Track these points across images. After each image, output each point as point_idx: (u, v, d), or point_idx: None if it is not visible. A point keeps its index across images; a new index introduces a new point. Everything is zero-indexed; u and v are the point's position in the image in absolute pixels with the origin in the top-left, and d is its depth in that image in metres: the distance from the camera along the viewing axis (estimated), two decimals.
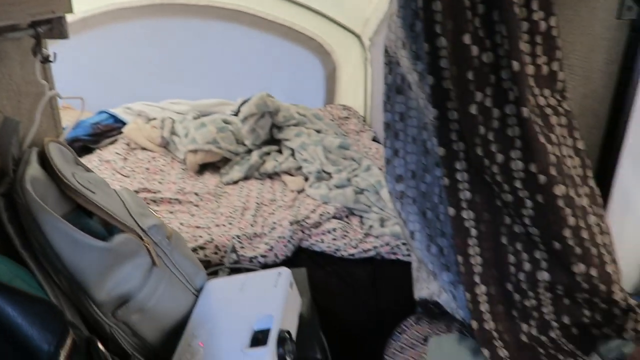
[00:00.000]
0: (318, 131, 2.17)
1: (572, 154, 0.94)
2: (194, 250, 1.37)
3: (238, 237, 1.44)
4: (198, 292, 0.96)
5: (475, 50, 0.86)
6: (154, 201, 1.81)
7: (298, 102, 2.44)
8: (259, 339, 0.79)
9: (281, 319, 0.82)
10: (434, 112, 0.95)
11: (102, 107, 2.51)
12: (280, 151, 2.12)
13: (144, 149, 2.32)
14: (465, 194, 0.98)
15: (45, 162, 0.85)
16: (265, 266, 1.36)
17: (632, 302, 1.00)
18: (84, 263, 0.76)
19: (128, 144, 2.36)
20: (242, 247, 1.41)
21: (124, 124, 2.44)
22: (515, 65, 0.83)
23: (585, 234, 0.92)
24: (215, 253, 1.37)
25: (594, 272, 0.95)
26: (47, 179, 0.80)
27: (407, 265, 1.33)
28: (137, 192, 1.86)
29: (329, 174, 1.87)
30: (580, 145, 0.94)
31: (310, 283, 1.30)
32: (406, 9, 0.97)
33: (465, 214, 1.00)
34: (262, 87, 2.27)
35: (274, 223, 1.52)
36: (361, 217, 1.61)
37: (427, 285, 1.19)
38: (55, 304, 0.55)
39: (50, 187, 0.80)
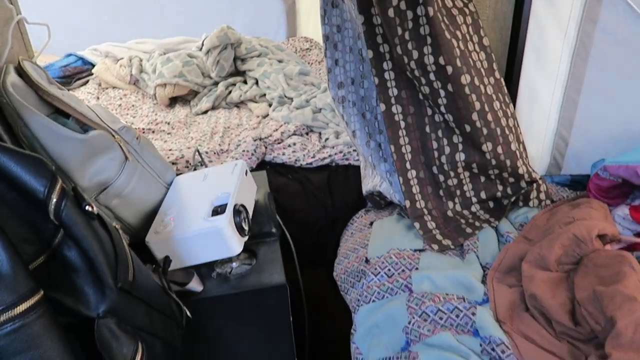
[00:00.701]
0: (280, 61, 2.28)
1: (478, 49, 1.09)
2: None
3: (206, 152, 1.60)
4: (169, 185, 1.13)
5: None
6: None
7: (261, 35, 2.53)
8: (218, 211, 0.96)
9: (236, 195, 0.99)
10: (361, 19, 1.09)
11: (69, 51, 2.57)
12: (245, 81, 2.24)
13: (114, 87, 2.41)
14: (393, 91, 1.14)
15: (22, 76, 0.98)
16: None
17: (535, 175, 1.19)
18: (66, 153, 0.91)
19: (99, 84, 2.45)
20: (210, 162, 1.57)
21: (92, 65, 2.52)
22: None
23: (490, 117, 1.10)
24: (187, 167, 1.53)
25: (500, 149, 1.13)
26: (25, 87, 0.94)
27: (358, 168, 1.51)
28: None
29: (290, 99, 2.01)
30: (486, 41, 1.10)
31: (273, 188, 1.48)
32: None
33: (394, 109, 1.16)
34: (224, 24, 2.35)
35: (239, 141, 1.68)
36: (320, 133, 1.77)
37: (371, 180, 1.37)
38: (42, 157, 0.69)
39: (29, 93, 0.94)
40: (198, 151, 1.36)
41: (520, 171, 1.16)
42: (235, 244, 0.94)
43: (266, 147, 1.66)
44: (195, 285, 0.95)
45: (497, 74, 1.13)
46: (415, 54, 1.06)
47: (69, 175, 0.92)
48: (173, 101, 2.24)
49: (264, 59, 2.24)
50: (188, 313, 0.93)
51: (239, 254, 0.99)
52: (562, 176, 1.34)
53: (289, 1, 2.79)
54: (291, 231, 1.35)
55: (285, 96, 2.02)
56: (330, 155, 1.58)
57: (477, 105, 1.08)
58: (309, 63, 2.54)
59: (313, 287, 1.50)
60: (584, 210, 1.05)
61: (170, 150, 1.72)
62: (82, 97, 2.31)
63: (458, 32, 1.05)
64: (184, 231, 0.93)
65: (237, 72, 2.30)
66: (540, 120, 1.26)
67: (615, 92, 1.22)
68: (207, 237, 0.93)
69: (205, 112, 2.13)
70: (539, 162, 1.32)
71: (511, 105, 1.16)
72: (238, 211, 0.98)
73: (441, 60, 1.04)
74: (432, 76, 1.07)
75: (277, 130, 1.76)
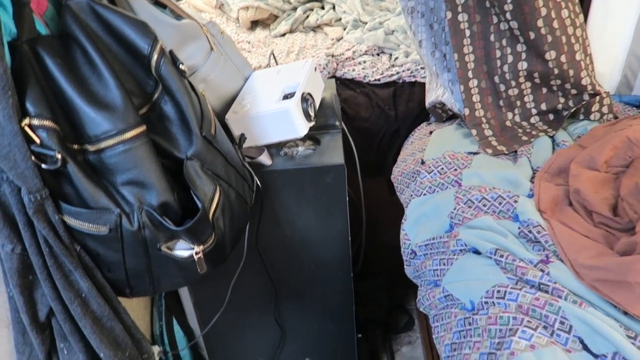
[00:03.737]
0: None
1: None
2: None
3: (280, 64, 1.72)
4: (246, 79, 1.26)
5: None
6: None
7: None
8: (288, 96, 1.08)
9: (305, 85, 1.11)
10: None
11: None
12: (322, 7, 2.31)
13: (201, 11, 2.57)
14: None
15: None
16: None
17: (600, 88, 1.20)
18: (163, 36, 1.05)
19: (187, 6, 2.62)
20: None
21: None
22: None
23: (556, 24, 1.11)
24: None
25: (563, 58, 1.14)
26: None
27: (423, 85, 1.57)
28: None
29: (364, 22, 2.06)
30: None
31: (341, 98, 1.58)
32: None
33: (460, 17, 1.20)
34: None
35: (312, 56, 1.78)
36: (390, 54, 1.83)
37: (434, 92, 1.42)
38: (145, 22, 0.84)
39: None
40: (273, 54, 1.48)
41: (584, 82, 1.16)
42: (301, 126, 1.06)
43: (337, 64, 1.75)
44: (264, 158, 1.09)
45: None
46: None
47: None
48: (254, 24, 2.37)
49: None
50: (258, 182, 1.07)
51: (304, 139, 1.11)
52: (633, 96, 1.31)
53: None
54: (355, 139, 1.46)
55: (360, 20, 2.07)
56: (397, 73, 1.64)
57: (544, 11, 1.09)
58: None
59: (371, 196, 1.62)
60: None
61: (250, 62, 1.85)
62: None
63: None
64: (257, 111, 1.07)
65: None
66: (612, 36, 1.24)
67: None
68: (277, 117, 1.05)
69: (283, 34, 2.23)
70: (609, 79, 1.30)
71: (581, 16, 1.15)
72: (305, 98, 1.09)
73: None
74: None
75: (349, 49, 1.84)
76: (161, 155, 0.84)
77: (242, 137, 1.08)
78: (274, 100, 1.08)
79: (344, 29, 2.11)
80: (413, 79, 1.63)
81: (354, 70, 1.71)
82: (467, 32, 1.21)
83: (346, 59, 1.78)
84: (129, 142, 0.76)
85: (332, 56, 1.76)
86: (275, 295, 1.25)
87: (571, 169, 1.02)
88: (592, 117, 1.21)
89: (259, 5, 2.29)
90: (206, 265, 0.85)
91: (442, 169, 1.17)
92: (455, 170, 1.15)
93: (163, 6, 1.13)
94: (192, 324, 1.37)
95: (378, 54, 1.85)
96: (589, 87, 1.17)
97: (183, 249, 0.82)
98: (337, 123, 1.20)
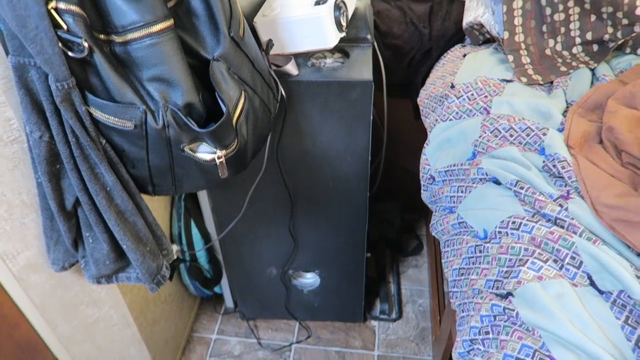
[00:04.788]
0: None
1: None
2: None
3: None
4: None
5: None
6: None
7: None
8: (320, 2, 1.03)
9: None
10: None
11: None
12: None
13: None
14: None
15: None
16: None
17: None
18: None
19: None
20: None
21: None
22: None
23: None
24: None
25: None
26: None
27: (462, 4, 1.47)
28: None
29: None
30: None
31: (375, 11, 1.50)
32: None
33: None
34: None
35: None
36: None
37: (474, 11, 1.34)
38: None
39: None
40: None
41: (638, 12, 1.08)
42: (332, 35, 1.02)
43: None
44: (291, 68, 1.06)
45: None
46: None
47: None
48: None
49: None
50: (283, 91, 1.05)
51: (333, 51, 1.08)
52: None
53: None
54: (385, 55, 1.40)
55: None
56: None
57: None
58: None
59: (394, 118, 1.59)
60: None
61: None
62: None
63: None
64: (288, 15, 1.02)
65: None
66: None
67: None
68: (307, 23, 1.01)
69: None
70: None
71: None
72: (339, 6, 1.04)
73: None
74: None
75: None
76: (187, 54, 0.82)
77: (270, 43, 1.04)
78: (306, 4, 1.03)
79: None
80: None
81: None
82: None
83: None
84: (156, 35, 0.74)
85: None
86: (291, 207, 1.27)
87: (608, 105, 0.98)
88: (639, 51, 1.14)
89: None
90: (228, 170, 0.86)
91: (472, 94, 1.14)
92: (486, 97, 1.11)
93: None
94: (209, 227, 1.42)
95: None
96: None
97: (206, 152, 0.83)
98: (369, 37, 1.15)
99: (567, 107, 1.06)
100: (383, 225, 1.94)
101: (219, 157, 0.82)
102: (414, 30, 1.51)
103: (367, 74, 1.03)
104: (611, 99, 0.98)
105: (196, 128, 0.77)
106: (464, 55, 1.33)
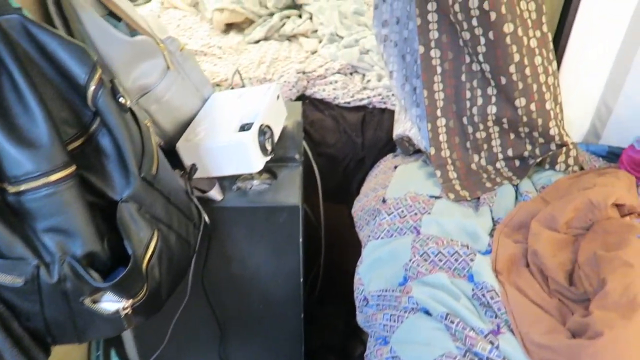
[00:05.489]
0: None
1: None
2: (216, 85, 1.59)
3: (250, 79, 1.65)
4: (205, 100, 1.19)
5: None
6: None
7: None
8: (245, 127, 1.02)
9: (264, 116, 1.04)
10: None
11: None
12: (300, 15, 2.24)
13: (176, 7, 2.47)
14: (434, 34, 1.13)
15: None
16: None
17: (567, 139, 1.17)
18: (113, 53, 0.97)
19: (162, 3, 2.51)
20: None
21: None
22: None
23: (528, 72, 1.08)
24: (231, 88, 1.58)
25: (533, 106, 1.11)
26: None
27: (393, 113, 1.52)
28: None
29: (341, 37, 2.00)
30: None
31: (308, 121, 1.52)
32: None
33: (433, 53, 1.15)
34: None
35: (283, 72, 1.71)
36: (363, 75, 1.77)
37: (402, 124, 1.38)
38: (86, 47, 0.76)
39: None
40: (238, 72, 1.41)
41: (552, 132, 1.14)
42: (256, 161, 1.00)
43: (308, 82, 1.69)
44: (215, 193, 1.02)
45: (544, 28, 1.09)
46: None
47: (114, 75, 1.00)
48: (228, 27, 2.28)
49: None
50: (206, 218, 1.01)
51: (260, 173, 1.05)
52: (600, 146, 1.30)
53: None
54: (319, 165, 1.40)
55: (337, 34, 2.02)
56: (368, 97, 1.59)
57: (517, 57, 1.06)
58: (367, 3, 2.49)
59: (333, 221, 1.57)
60: (607, 178, 1.03)
61: (217, 72, 1.78)
62: (144, 13, 2.38)
63: None
64: (211, 142, 1.00)
65: (294, 5, 2.29)
66: (585, 83, 1.21)
67: None
68: (231, 150, 0.99)
69: (257, 41, 2.16)
70: (578, 127, 1.29)
71: (554, 63, 1.12)
72: (263, 131, 1.03)
73: (485, 5, 1.01)
74: (474, 21, 1.05)
75: (322, 66, 1.78)
76: (94, 194, 0.77)
77: (193, 168, 1.01)
78: (230, 130, 1.01)
79: (320, 42, 2.05)
80: (383, 105, 1.58)
81: (324, 90, 1.65)
82: (439, 69, 1.17)
83: (318, 76, 1.72)
84: (54, 185, 0.68)
85: (303, 73, 1.70)
86: (221, 332, 1.19)
87: (532, 227, 0.99)
88: (557, 167, 1.19)
89: (235, 9, 2.20)
90: (136, 318, 0.78)
91: (403, 211, 1.13)
92: (416, 214, 1.11)
93: (117, 19, 1.05)
94: (131, 356, 1.29)
95: (351, 73, 1.79)
96: (557, 138, 1.15)
97: (110, 301, 0.75)
98: (297, 156, 1.14)
99: (494, 225, 1.07)
100: (325, 331, 1.86)
101: (124, 308, 0.75)
102: (347, 140, 1.54)
103: (294, 197, 1.01)
104: (534, 220, 1.00)
105: (94, 283, 0.70)
106: (395, 167, 1.34)
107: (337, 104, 1.62)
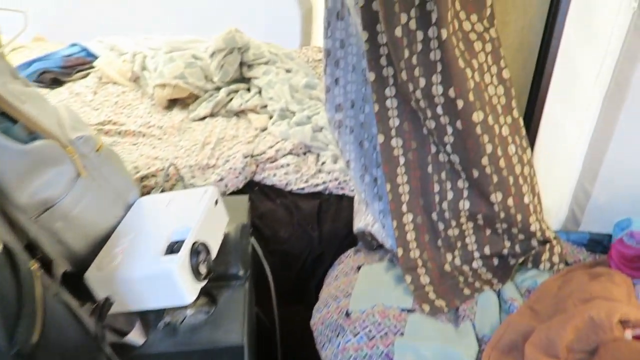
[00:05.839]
0: (288, 71, 2.15)
1: (496, 82, 0.94)
2: (145, 177, 1.40)
3: (191, 166, 1.46)
4: (129, 207, 0.99)
5: None
6: (119, 133, 1.83)
7: (273, 42, 2.40)
8: (173, 248, 0.82)
9: (198, 231, 0.85)
10: (365, 35, 0.95)
11: (74, 40, 2.48)
12: (248, 89, 2.11)
13: (115, 83, 2.30)
14: (395, 121, 1.00)
15: None
16: None
17: (549, 234, 1.03)
18: (1, 165, 0.78)
19: (100, 78, 2.34)
20: (193, 177, 1.43)
21: (96, 57, 2.42)
22: None
23: (503, 163, 0.94)
24: (166, 181, 1.39)
25: (510, 201, 0.97)
26: None
27: (352, 200, 1.37)
28: (102, 124, 1.88)
29: (293, 112, 1.87)
30: (506, 74, 0.95)
31: (257, 214, 1.34)
32: None
33: (394, 142, 1.01)
34: (237, 25, 2.23)
35: (229, 156, 1.54)
36: (317, 155, 1.63)
37: (363, 217, 1.22)
38: None
39: None
40: (174, 165, 1.23)
41: (532, 228, 1.00)
42: (187, 292, 0.80)
43: (257, 166, 1.52)
44: (135, 337, 0.81)
45: (515, 113, 0.98)
46: (422, 82, 0.91)
47: (3, 191, 0.79)
48: (172, 103, 2.12)
49: (271, 67, 2.11)
50: None
51: (195, 299, 0.85)
52: (580, 233, 1.17)
53: (306, 7, 2.65)
54: (272, 263, 1.21)
55: (288, 109, 1.88)
56: (324, 182, 1.44)
57: (489, 148, 0.93)
58: (319, 75, 2.40)
59: (290, 326, 1.36)
60: (604, 285, 0.89)
61: (156, 157, 1.59)
62: (80, 90, 2.20)
63: (474, 61, 0.90)
64: (129, 271, 0.79)
65: (242, 79, 2.17)
66: (560, 168, 1.10)
67: None
68: (155, 280, 0.79)
69: (203, 118, 2.00)
70: (555, 215, 1.16)
71: (528, 150, 1.00)
72: (197, 251, 0.84)
73: (451, 93, 0.88)
74: (439, 109, 0.92)
75: (272, 147, 1.62)
76: None
77: (107, 303, 0.80)
78: (155, 252, 0.81)
79: (270, 117, 1.91)
80: (341, 191, 1.43)
81: (275, 175, 1.49)
82: (402, 160, 1.03)
83: (268, 159, 1.56)
84: None
85: (252, 156, 1.54)
86: None
87: (526, 353, 0.82)
88: (541, 266, 1.04)
89: (178, 84, 2.05)
90: None
91: (370, 331, 0.94)
92: (386, 335, 0.93)
93: (13, 121, 0.86)
94: None
95: (304, 153, 1.64)
96: (538, 234, 1.01)
97: None
98: (241, 272, 0.95)
99: (480, 347, 0.90)
100: None
101: None
102: (303, 233, 1.36)
103: (237, 334, 0.81)
104: (529, 343, 0.83)
105: None
106: (358, 268, 1.17)
107: (290, 191, 1.45)
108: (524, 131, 0.99)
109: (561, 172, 1.11)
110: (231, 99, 2.04)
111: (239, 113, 2.02)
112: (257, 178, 1.50)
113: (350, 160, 1.14)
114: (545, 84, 1.00)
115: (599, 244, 1.16)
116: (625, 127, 1.05)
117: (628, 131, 1.05)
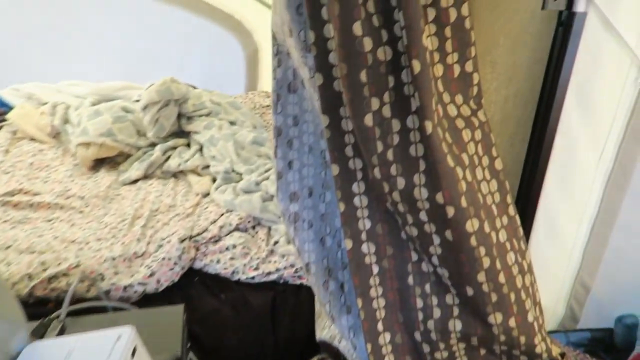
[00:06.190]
0: (233, 123, 1.92)
1: (489, 176, 0.76)
2: (54, 277, 1.12)
3: (114, 259, 1.20)
4: (14, 357, 0.72)
5: (368, 43, 0.65)
6: (31, 206, 1.53)
7: (216, 88, 2.18)
8: None
9: None
10: (325, 120, 0.74)
11: None
12: (188, 145, 1.87)
13: (32, 139, 2.00)
14: (365, 223, 0.79)
15: None
16: (144, 296, 1.13)
17: (556, 351, 0.85)
18: None
19: (14, 133, 2.03)
20: (117, 274, 1.16)
21: (10, 108, 2.10)
22: (416, 65, 0.63)
23: (502, 278, 0.75)
24: (82, 281, 1.12)
25: (512, 322, 0.78)
26: None
27: (312, 290, 1.14)
28: (11, 194, 1.58)
29: (239, 174, 1.65)
30: (498, 164, 0.77)
31: (197, 318, 1.09)
32: None
33: (365, 248, 0.81)
34: (175, 71, 1.99)
35: (162, 239, 1.28)
36: (269, 228, 1.40)
37: (328, 325, 1.00)
38: None
39: None
40: (84, 274, 0.97)
41: (538, 350, 0.81)
42: None
43: (197, 249, 1.28)
44: None
45: (511, 210, 0.80)
46: (401, 182, 0.71)
47: None
48: (99, 163, 1.84)
49: (214, 120, 1.88)
50: None
51: None
52: (580, 332, 1.01)
53: (251, 48, 2.45)
54: None
55: (234, 170, 1.66)
56: (278, 270, 1.21)
57: (486, 262, 0.74)
58: (268, 123, 2.19)
59: None
60: None
61: (73, 241, 1.31)
62: None
63: (464, 155, 0.72)
64: None
65: (181, 132, 1.92)
66: (558, 261, 0.94)
67: None
68: None
69: (135, 181, 1.73)
70: (552, 313, 0.99)
71: (528, 254, 0.82)
72: None
73: (439, 198, 0.69)
74: (423, 216, 0.72)
75: (215, 222, 1.38)
76: None
77: None
78: None
79: (213, 180, 1.67)
80: (299, 281, 1.20)
81: (218, 261, 1.25)
82: (375, 269, 0.82)
83: (210, 238, 1.31)
84: None
85: (191, 238, 1.29)
86: None
87: None
88: None
89: (104, 142, 1.78)
90: None
91: None
92: None
93: None
94: None
95: (254, 227, 1.41)
96: (545, 355, 0.82)
97: None
98: None
99: None
100: None
101: None
102: (254, 339, 1.12)
103: None
104: None
105: None
106: None
107: (238, 281, 1.21)
108: (521, 231, 0.81)
109: (559, 267, 0.94)
110: (168, 158, 1.79)
111: (178, 174, 1.77)
112: (198, 265, 1.25)
113: (310, 264, 0.92)
114: (543, 166, 0.84)
115: (601, 342, 1.00)
116: (630, 213, 0.89)
117: (632, 218, 0.90)
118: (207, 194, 1.61)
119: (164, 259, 1.19)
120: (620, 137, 0.83)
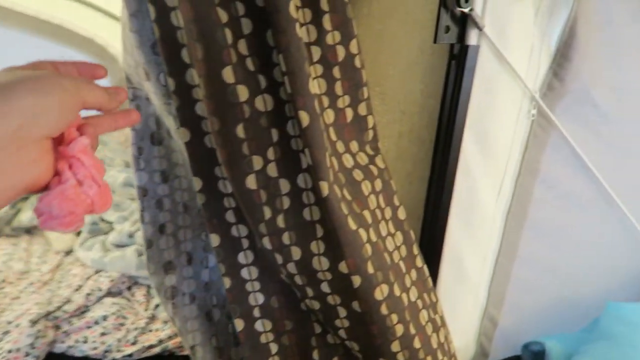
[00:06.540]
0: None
1: (393, 229, 0.67)
2: None
3: None
4: None
5: (243, 92, 0.53)
6: None
7: None
8: None
9: None
10: (197, 183, 0.60)
11: None
12: None
13: None
14: (257, 298, 0.67)
15: None
16: None
17: None
18: None
19: None
20: None
21: None
22: (304, 117, 0.52)
23: (417, 342, 0.67)
24: None
25: None
26: None
27: None
28: None
29: (109, 223, 1.42)
30: (401, 214, 0.69)
31: None
32: (141, 18, 0.61)
33: (259, 326, 0.68)
34: None
35: (9, 323, 1.03)
36: (148, 287, 1.21)
37: None
38: None
39: None
40: None
41: None
42: None
43: (57, 329, 1.05)
44: None
45: (418, 261, 0.72)
46: (296, 253, 0.60)
47: None
48: None
49: None
50: None
51: None
52: None
53: (117, 78, 2.20)
54: None
55: (102, 220, 1.43)
56: (160, 341, 1.03)
57: (400, 330, 0.65)
58: None
59: None
60: None
61: None
62: None
63: (366, 213, 0.62)
64: None
65: None
66: (466, 300, 0.89)
67: (552, 259, 0.92)
68: None
69: None
70: (464, 353, 0.95)
71: (439, 305, 0.75)
72: None
73: (343, 267, 0.58)
74: (325, 287, 0.61)
75: (80, 289, 1.16)
76: None
77: None
78: None
79: (78, 234, 1.43)
80: (187, 351, 1.03)
81: (85, 340, 1.03)
82: (274, 348, 0.70)
83: (75, 311, 1.09)
84: None
85: (48, 314, 1.06)
86: None
87: None
88: None
89: None
90: None
91: None
92: None
93: None
94: None
95: (129, 288, 1.21)
96: None
97: None
98: None
99: None
100: None
101: None
102: None
103: None
104: None
105: None
106: None
107: None
108: (430, 282, 0.73)
109: (468, 305, 0.89)
110: (18, 211, 1.50)
111: (32, 229, 1.49)
112: (60, 348, 1.02)
113: (196, 346, 0.77)
114: (445, 207, 0.78)
115: None
116: (529, 245, 0.88)
117: (531, 249, 0.88)
118: (70, 252, 1.37)
119: (10, 351, 0.95)
120: (516, 172, 0.81)
